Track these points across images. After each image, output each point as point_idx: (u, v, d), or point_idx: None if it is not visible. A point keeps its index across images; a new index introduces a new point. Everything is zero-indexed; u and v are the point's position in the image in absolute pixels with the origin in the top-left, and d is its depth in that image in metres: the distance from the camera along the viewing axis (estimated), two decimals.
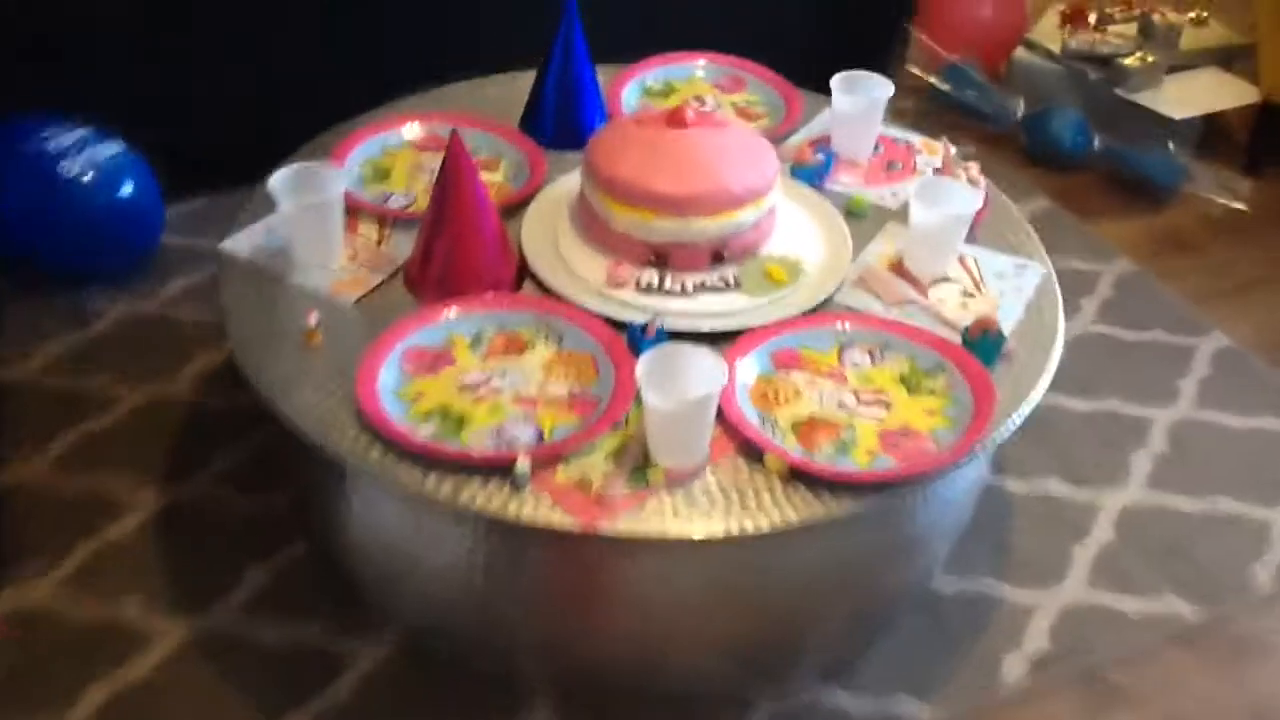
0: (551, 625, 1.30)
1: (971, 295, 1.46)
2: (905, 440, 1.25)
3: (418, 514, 1.25)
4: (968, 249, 1.53)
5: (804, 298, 1.43)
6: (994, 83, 2.55)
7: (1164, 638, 1.51)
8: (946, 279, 1.48)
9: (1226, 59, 2.56)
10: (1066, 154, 2.41)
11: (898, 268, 1.50)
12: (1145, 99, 2.42)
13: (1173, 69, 2.49)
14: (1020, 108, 2.48)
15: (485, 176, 1.62)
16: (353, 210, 1.55)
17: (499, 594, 1.26)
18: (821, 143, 1.70)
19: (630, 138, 1.46)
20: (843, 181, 1.66)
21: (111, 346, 1.87)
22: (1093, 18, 2.62)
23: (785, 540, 1.17)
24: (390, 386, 1.28)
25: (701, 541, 1.15)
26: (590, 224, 1.48)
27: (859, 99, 1.65)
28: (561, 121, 1.70)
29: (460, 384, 1.30)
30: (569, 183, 1.58)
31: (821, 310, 1.41)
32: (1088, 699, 1.44)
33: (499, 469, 1.18)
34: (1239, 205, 2.32)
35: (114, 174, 1.92)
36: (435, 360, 1.32)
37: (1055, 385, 1.92)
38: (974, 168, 1.57)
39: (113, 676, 1.40)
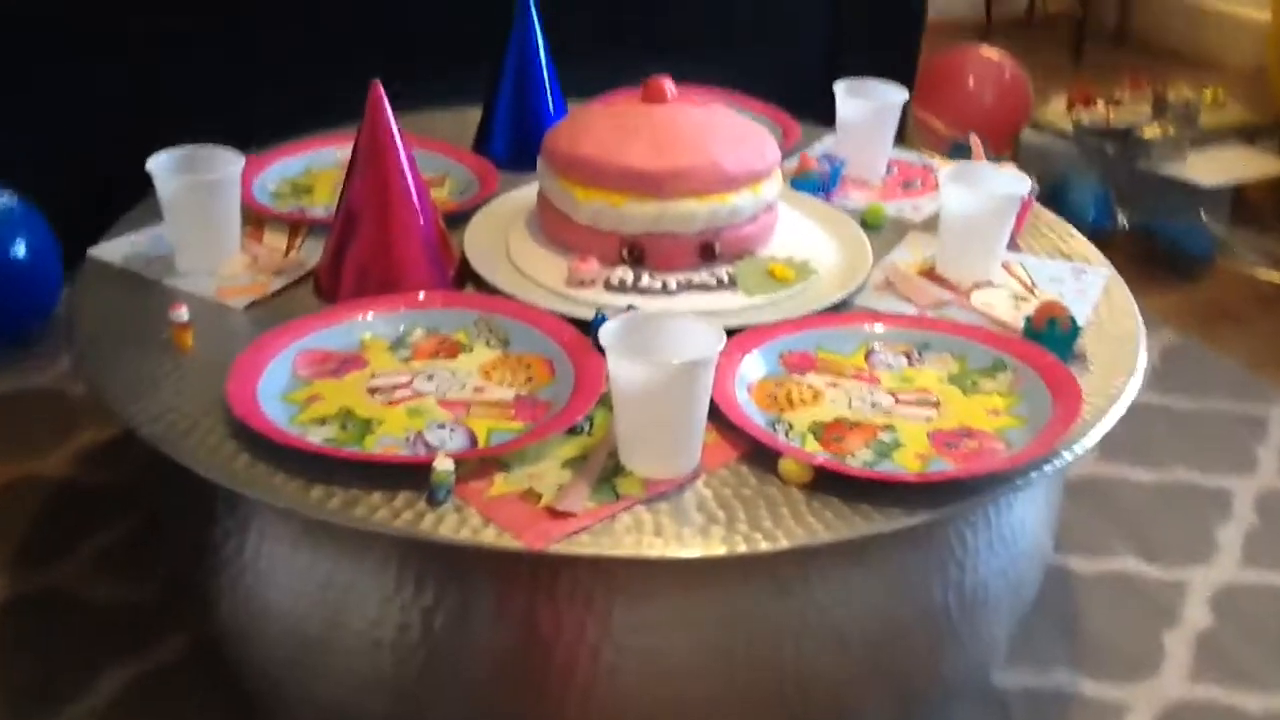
0: (498, 697, 0.92)
1: (1025, 299, 1.17)
2: (966, 441, 0.93)
3: (318, 559, 0.90)
4: (1011, 256, 1.25)
5: (817, 298, 1.13)
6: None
7: None
8: (990, 284, 1.20)
9: (1249, 136, 2.36)
10: (1089, 229, 2.16)
11: (929, 275, 1.21)
12: (1171, 171, 2.20)
13: (1193, 144, 2.29)
14: (1035, 185, 2.24)
15: None
16: (257, 218, 1.27)
17: (433, 664, 0.90)
18: (827, 156, 1.44)
19: (598, 116, 1.19)
20: (852, 199, 1.39)
21: None
22: (1100, 102, 2.44)
23: (810, 569, 0.84)
24: (275, 390, 0.96)
25: (694, 567, 0.81)
26: (550, 221, 1.20)
27: (868, 104, 1.40)
28: (516, 140, 1.44)
29: (370, 386, 0.98)
30: (525, 192, 1.30)
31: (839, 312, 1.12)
32: None
33: (413, 477, 0.85)
34: None
35: (4, 229, 1.65)
36: (341, 364, 1.01)
37: (1114, 455, 1.60)
38: (1010, 166, 1.31)
39: None
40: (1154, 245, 2.12)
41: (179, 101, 1.82)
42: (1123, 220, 2.14)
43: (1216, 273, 2.10)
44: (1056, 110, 2.44)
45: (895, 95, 1.42)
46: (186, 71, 1.82)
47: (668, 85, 1.20)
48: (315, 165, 1.41)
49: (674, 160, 1.13)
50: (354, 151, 1.10)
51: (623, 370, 0.83)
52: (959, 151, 2.31)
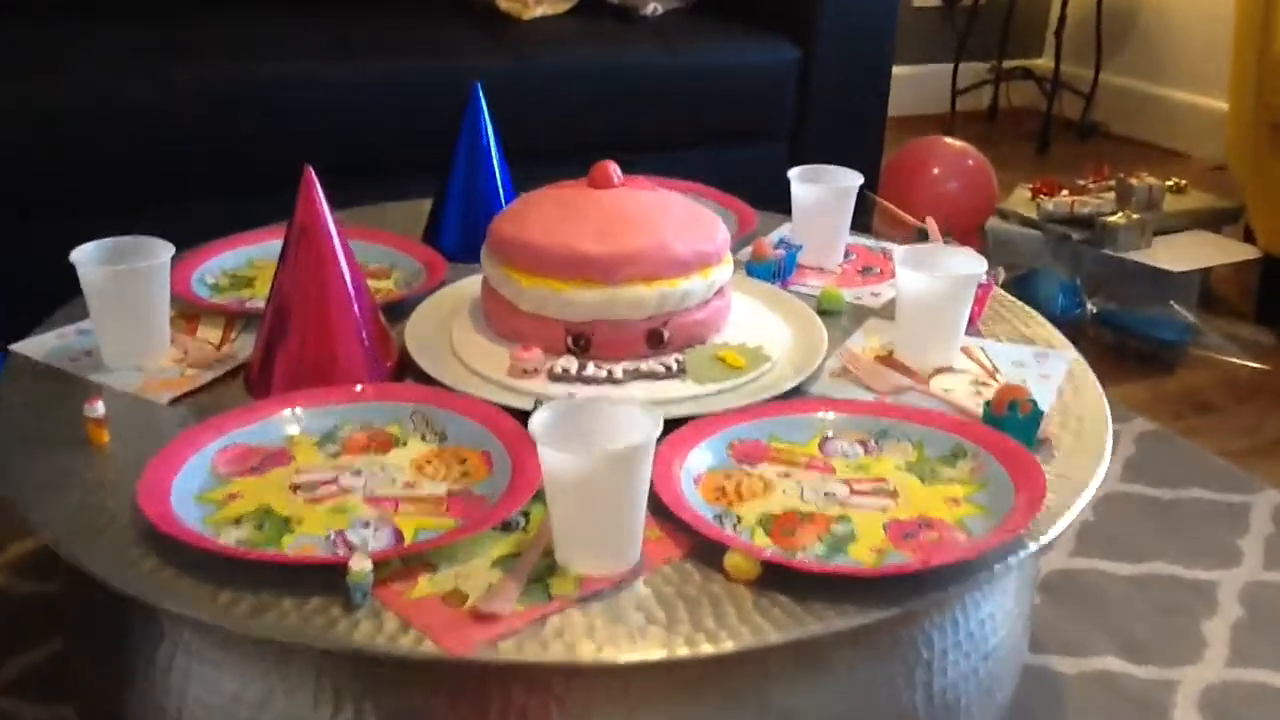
0: None
1: (985, 384, 1.13)
2: (925, 532, 0.87)
3: (232, 671, 0.83)
4: (972, 341, 1.21)
5: (769, 386, 1.08)
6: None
7: None
8: (950, 369, 1.15)
9: (1212, 222, 2.36)
10: (1057, 319, 2.13)
11: (887, 360, 1.17)
12: (1137, 257, 2.19)
13: (1159, 232, 2.28)
14: (1001, 275, 2.22)
15: (372, 284, 1.31)
16: (192, 312, 1.22)
17: None
18: (784, 240, 1.41)
19: (543, 201, 1.16)
20: (810, 284, 1.35)
21: None
22: (1065, 191, 2.44)
23: (764, 675, 0.78)
24: (191, 489, 0.90)
25: (633, 673, 0.75)
26: (494, 310, 1.16)
27: (824, 189, 1.38)
28: (466, 232, 1.41)
29: (293, 483, 0.92)
30: (472, 282, 1.26)
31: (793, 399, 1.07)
32: None
33: (330, 580, 0.79)
34: (1256, 364, 2.04)
35: None
36: (264, 461, 0.96)
37: (1091, 548, 1.56)
38: (967, 248, 1.28)
39: None
40: (1125, 334, 2.09)
41: (123, 200, 1.79)
42: (1091, 308, 2.12)
43: (1188, 361, 2.07)
44: (1021, 199, 2.44)
45: (850, 180, 1.39)
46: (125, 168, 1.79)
47: (613, 170, 1.17)
48: (259, 257, 1.37)
49: (621, 244, 1.09)
50: (285, 238, 1.06)
51: (553, 460, 0.78)
52: (925, 240, 2.31)
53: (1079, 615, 1.38)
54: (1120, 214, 2.24)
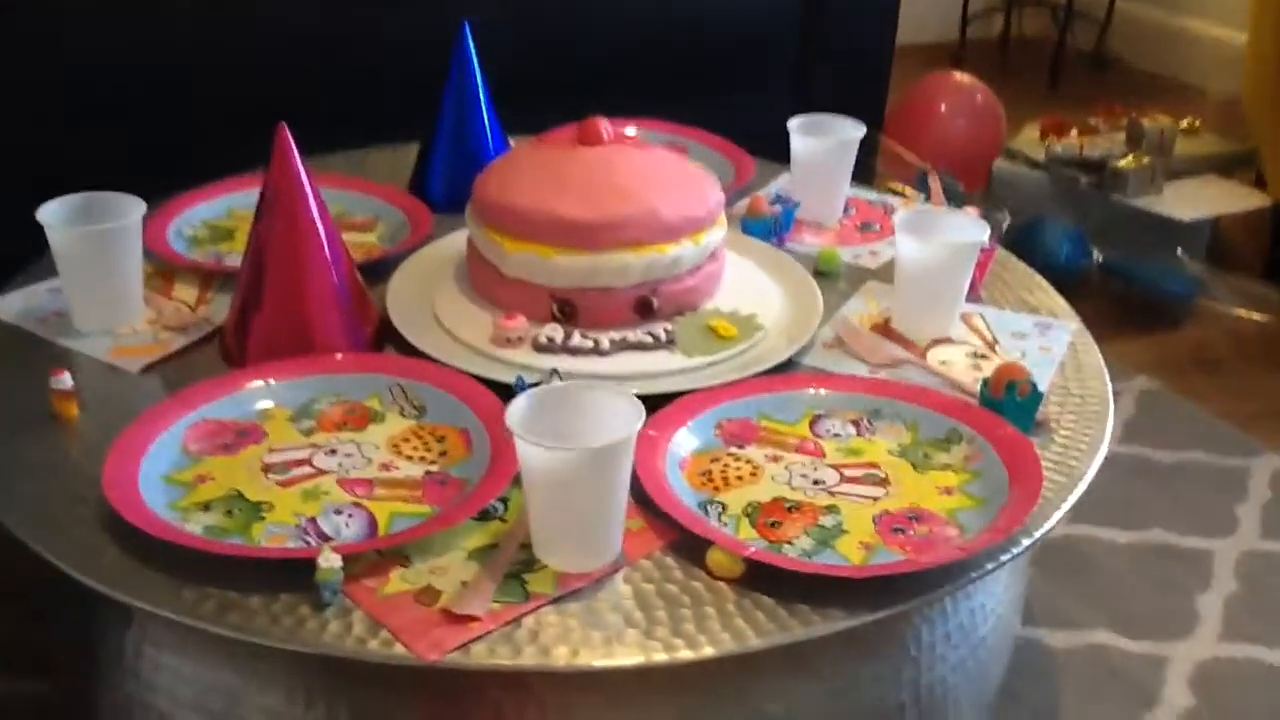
0: None
1: (984, 357, 1.09)
2: (916, 526, 0.85)
3: (203, 667, 0.81)
4: (972, 308, 1.17)
5: (760, 359, 1.05)
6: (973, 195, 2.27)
7: None
8: (948, 340, 1.12)
9: (1225, 166, 2.30)
10: (1062, 269, 2.09)
11: (883, 329, 1.13)
12: (1146, 204, 2.13)
13: (1169, 176, 2.22)
14: (1006, 219, 2.17)
15: (354, 238, 1.27)
16: (169, 270, 1.18)
17: None
18: (780, 196, 1.36)
19: (529, 160, 1.11)
20: (806, 242, 1.31)
21: None
22: (1074, 131, 2.37)
23: (738, 680, 0.76)
24: (160, 469, 0.87)
25: (604, 677, 0.72)
26: (478, 274, 1.12)
27: (824, 141, 1.33)
28: (454, 182, 1.36)
29: (264, 463, 0.89)
30: (459, 239, 1.22)
31: (785, 373, 1.04)
32: None
33: (300, 574, 0.76)
34: (1263, 317, 2.00)
35: None
36: (239, 437, 0.93)
37: (1088, 514, 1.53)
38: (973, 211, 1.23)
39: None
40: (1130, 286, 2.05)
41: (105, 147, 1.73)
42: (1098, 257, 2.07)
43: (1195, 316, 2.02)
44: (1029, 139, 2.37)
45: (852, 131, 1.34)
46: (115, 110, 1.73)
47: (604, 126, 1.12)
48: (240, 207, 1.32)
49: (608, 209, 1.05)
50: (259, 201, 1.02)
51: (531, 454, 0.75)
52: (927, 182, 2.25)
53: (1071, 586, 1.36)
54: (1130, 157, 2.18)
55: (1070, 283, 2.23)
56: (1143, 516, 1.49)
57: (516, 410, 0.77)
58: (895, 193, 1.54)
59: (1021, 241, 2.14)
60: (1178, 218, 2.09)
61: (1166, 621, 1.32)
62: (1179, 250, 2.05)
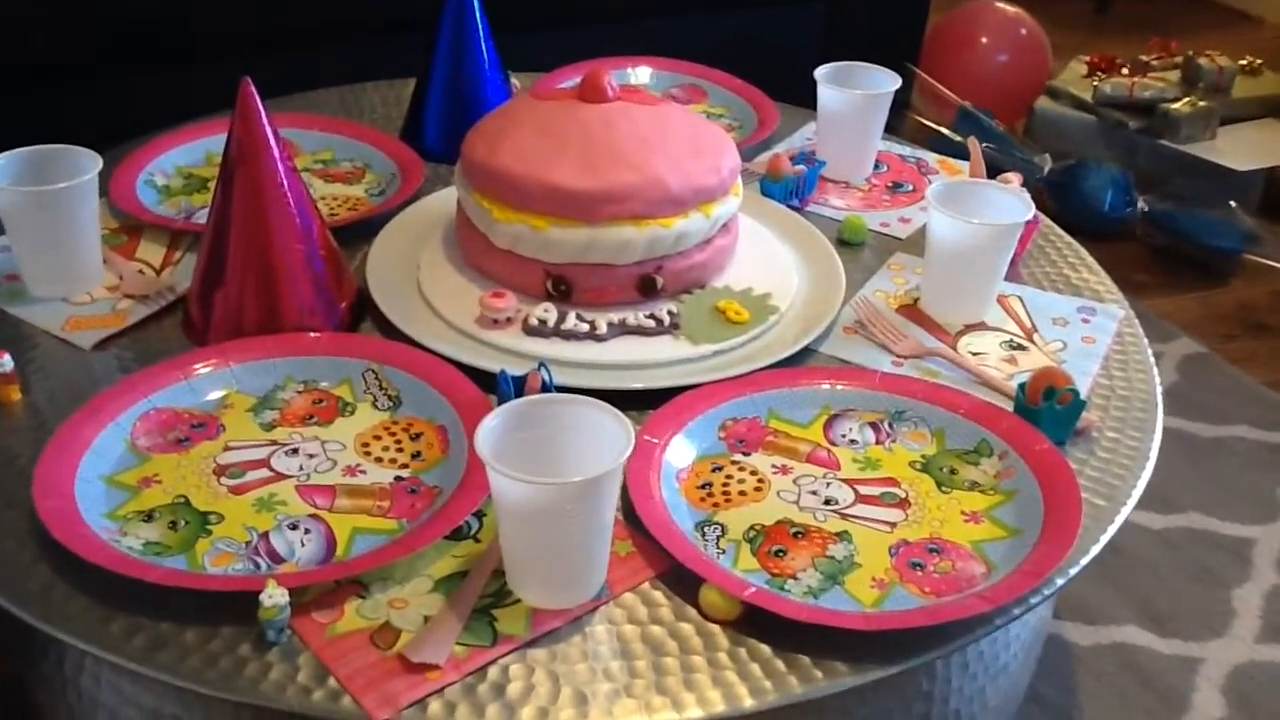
0: None
1: (1022, 347, 0.99)
2: (936, 561, 0.76)
3: (141, 710, 0.74)
4: (1011, 288, 1.07)
5: (773, 347, 0.95)
6: (1013, 135, 2.13)
7: None
8: (983, 325, 1.02)
9: None
10: (1104, 217, 1.97)
11: (911, 311, 1.03)
12: (1198, 151, 2.00)
13: (1225, 120, 2.08)
14: (1047, 163, 2.04)
15: (340, 191, 1.17)
16: (135, 228, 1.09)
17: None
18: (804, 155, 1.25)
19: (524, 117, 1.00)
20: (831, 205, 1.20)
21: None
22: (1125, 68, 2.22)
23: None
24: (102, 468, 0.79)
25: None
26: (468, 242, 1.02)
27: (853, 95, 1.21)
28: (450, 128, 1.25)
29: (217, 464, 0.81)
30: (448, 196, 1.12)
31: (800, 364, 0.94)
32: None
33: (243, 602, 0.68)
34: None
35: None
36: (193, 429, 0.84)
37: None
38: (1015, 179, 1.12)
39: None
40: (1175, 238, 1.92)
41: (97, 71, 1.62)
42: (1143, 206, 1.94)
43: (1245, 272, 1.90)
44: (1075, 75, 2.23)
45: (885, 83, 1.22)
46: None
47: (609, 81, 1.01)
48: (218, 151, 1.22)
49: (608, 178, 0.94)
50: (223, 162, 0.92)
51: (504, 487, 0.66)
52: (966, 121, 2.11)
53: (1100, 576, 1.27)
54: (1184, 101, 2.04)
55: (1110, 230, 2.11)
56: (1178, 498, 1.40)
57: (488, 432, 0.68)
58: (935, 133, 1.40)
59: (1062, 186, 2.01)
60: (1231, 166, 1.96)
61: (1200, 618, 1.23)
62: (1231, 202, 1.92)
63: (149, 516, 0.76)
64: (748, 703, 0.65)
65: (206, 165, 1.21)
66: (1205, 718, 1.12)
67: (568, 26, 1.72)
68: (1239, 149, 2.00)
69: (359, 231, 1.08)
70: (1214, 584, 1.28)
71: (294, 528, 0.76)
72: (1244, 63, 2.19)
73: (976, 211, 1.00)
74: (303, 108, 1.32)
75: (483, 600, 0.71)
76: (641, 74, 1.43)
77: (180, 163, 1.21)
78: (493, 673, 0.66)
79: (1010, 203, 1.01)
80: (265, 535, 0.75)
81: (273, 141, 0.91)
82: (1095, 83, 2.14)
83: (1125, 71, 2.19)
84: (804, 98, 1.38)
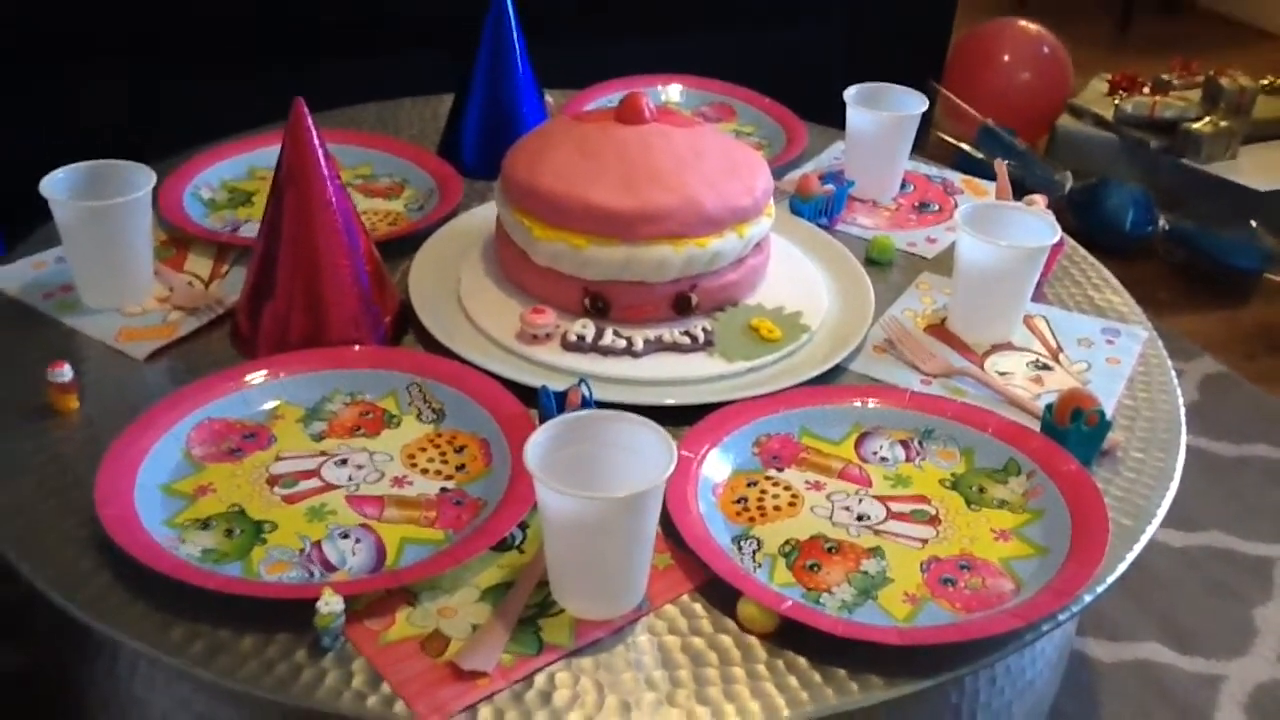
0: None
1: (1047, 368, 1.01)
2: (967, 577, 0.78)
3: (191, 712, 0.77)
4: (1036, 309, 1.09)
5: (805, 364, 0.98)
6: (1035, 153, 2.15)
7: None
8: (1009, 345, 1.04)
9: None
10: (1126, 235, 1.99)
11: (938, 330, 1.05)
12: (1219, 171, 2.01)
13: (1247, 140, 2.10)
14: (1069, 180, 2.06)
15: (380, 206, 1.20)
16: (184, 240, 1.12)
17: None
18: (833, 175, 1.27)
19: (563, 138, 1.03)
20: (860, 224, 1.23)
21: None
22: (1146, 87, 2.24)
23: None
24: (159, 477, 0.82)
25: None
26: (506, 259, 1.05)
27: (882, 116, 1.23)
28: (487, 145, 1.28)
29: (270, 474, 0.84)
30: (486, 212, 1.15)
31: (831, 382, 0.96)
32: None
33: (299, 609, 0.71)
34: None
35: None
36: (245, 440, 0.87)
37: None
38: (1040, 201, 1.14)
39: None
40: (1196, 256, 1.94)
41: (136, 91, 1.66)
42: (1164, 225, 1.96)
43: (1266, 291, 1.92)
44: (1097, 93, 2.25)
45: (914, 105, 1.24)
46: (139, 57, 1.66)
47: (646, 104, 1.03)
48: (261, 166, 1.26)
49: (645, 198, 0.97)
50: (274, 180, 0.95)
51: (551, 499, 0.69)
52: (988, 138, 2.14)
53: (1122, 593, 1.29)
54: (1206, 120, 2.05)
55: (1131, 248, 2.13)
56: (1199, 516, 1.42)
57: (535, 447, 0.71)
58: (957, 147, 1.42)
59: (1084, 205, 2.03)
60: (1253, 186, 1.97)
61: (1221, 636, 1.25)
62: (1252, 222, 1.94)
63: (205, 524, 0.79)
64: (786, 714, 0.67)
65: (250, 179, 1.24)
66: None
67: (596, 44, 1.75)
68: (1260, 169, 2.02)
69: (399, 246, 1.10)
70: (1235, 602, 1.30)
71: (345, 537, 0.78)
72: (1265, 82, 2.21)
73: (1004, 234, 1.02)
74: (341, 124, 1.36)
75: (528, 610, 0.73)
76: (673, 91, 1.46)
77: (225, 176, 1.24)
78: (539, 680, 0.69)
79: (1037, 225, 1.04)
80: (318, 544, 0.78)
81: (322, 161, 0.94)
82: (1117, 101, 2.16)
83: (1147, 90, 2.21)
84: (826, 115, 1.40)
